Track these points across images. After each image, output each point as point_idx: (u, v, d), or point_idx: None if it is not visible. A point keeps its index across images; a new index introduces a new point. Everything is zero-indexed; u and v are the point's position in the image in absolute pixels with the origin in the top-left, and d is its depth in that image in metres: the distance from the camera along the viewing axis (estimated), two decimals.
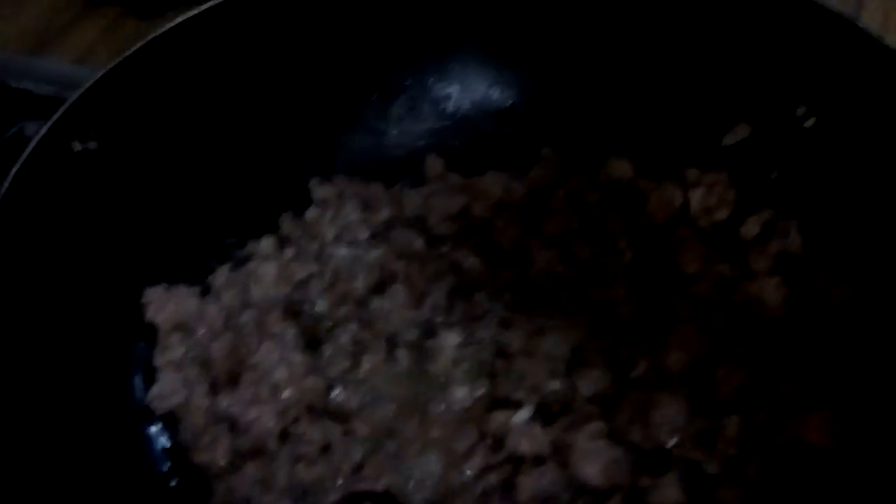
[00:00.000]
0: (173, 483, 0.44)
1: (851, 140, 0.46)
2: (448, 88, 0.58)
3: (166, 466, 0.45)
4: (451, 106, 0.58)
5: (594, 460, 0.40)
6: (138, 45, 0.51)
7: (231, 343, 0.47)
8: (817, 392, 0.42)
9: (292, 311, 0.49)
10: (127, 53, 0.50)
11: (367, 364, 0.47)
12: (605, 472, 0.40)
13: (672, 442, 0.41)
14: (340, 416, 0.45)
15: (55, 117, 0.45)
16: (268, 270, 0.50)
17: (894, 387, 0.39)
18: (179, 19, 0.52)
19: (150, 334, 0.49)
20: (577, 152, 0.55)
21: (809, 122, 0.48)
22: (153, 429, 0.46)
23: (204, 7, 0.53)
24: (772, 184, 0.50)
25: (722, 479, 0.40)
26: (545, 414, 0.44)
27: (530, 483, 0.41)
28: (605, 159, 0.54)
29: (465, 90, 0.58)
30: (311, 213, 0.54)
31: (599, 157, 0.54)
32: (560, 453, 0.41)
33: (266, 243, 0.52)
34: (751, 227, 0.49)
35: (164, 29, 0.52)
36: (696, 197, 0.50)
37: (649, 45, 0.53)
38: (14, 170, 0.42)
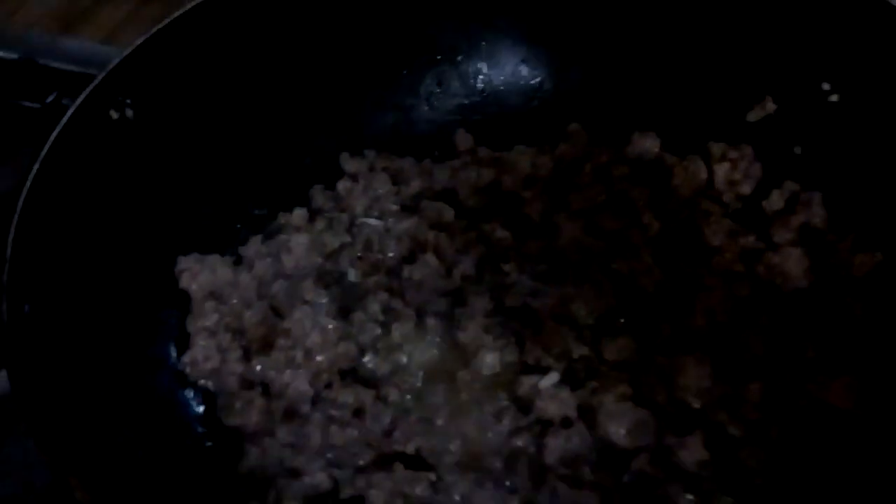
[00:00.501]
0: (208, 444, 0.45)
1: (874, 115, 0.47)
2: (478, 64, 0.59)
3: (200, 429, 0.46)
4: (480, 82, 0.59)
5: (621, 421, 0.41)
6: (172, 17, 0.51)
7: (264, 311, 0.48)
8: (838, 358, 0.42)
9: (324, 280, 0.50)
10: (161, 25, 0.51)
11: (397, 332, 0.48)
12: (631, 433, 0.41)
13: (697, 404, 0.41)
14: (372, 381, 0.46)
15: (92, 85, 0.46)
16: (299, 241, 0.51)
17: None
18: None
19: (182, 302, 0.49)
20: (604, 127, 0.55)
21: (834, 98, 0.49)
22: (188, 393, 0.47)
23: None
24: (796, 158, 0.51)
25: (745, 441, 0.41)
26: (572, 379, 0.44)
27: (558, 444, 0.42)
28: (632, 134, 0.54)
29: (495, 66, 0.59)
30: (341, 186, 0.55)
31: (626, 132, 0.55)
32: (587, 416, 0.42)
33: (297, 214, 0.53)
34: (775, 201, 0.50)
35: (192, 4, 0.52)
36: (721, 171, 0.51)
37: (676, 22, 0.54)
38: (54, 134, 0.43)
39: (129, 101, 0.48)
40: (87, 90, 0.46)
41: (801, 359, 0.44)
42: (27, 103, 0.44)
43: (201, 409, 0.47)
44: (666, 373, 0.43)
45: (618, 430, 0.41)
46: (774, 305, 0.46)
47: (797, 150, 0.51)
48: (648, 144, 0.54)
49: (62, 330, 0.42)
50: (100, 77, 0.47)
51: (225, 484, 0.43)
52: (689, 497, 0.39)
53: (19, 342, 0.38)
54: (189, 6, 0.51)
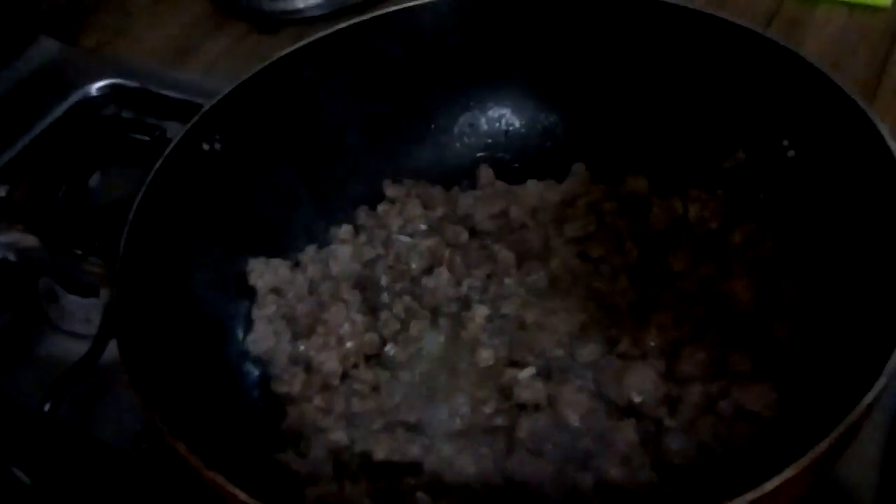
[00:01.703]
0: (260, 405, 0.58)
1: (821, 169, 0.57)
2: (503, 111, 0.71)
3: (256, 394, 0.59)
4: (504, 125, 0.71)
5: (575, 408, 0.52)
6: (262, 65, 0.63)
7: (311, 305, 0.61)
8: (764, 369, 0.53)
9: (360, 283, 0.63)
10: (253, 71, 0.63)
11: (414, 328, 0.60)
12: (582, 418, 0.52)
13: (638, 399, 0.52)
14: (390, 365, 0.59)
15: (191, 123, 0.59)
16: (344, 251, 0.64)
17: (825, 371, 0.50)
18: (297, 45, 0.65)
19: (251, 295, 0.63)
20: (603, 168, 0.67)
21: (791, 153, 0.59)
22: (248, 366, 0.60)
23: (317, 36, 0.65)
24: (759, 201, 0.61)
25: (674, 431, 0.51)
26: (547, 374, 0.56)
27: (528, 424, 0.53)
28: (625, 175, 0.65)
29: (517, 113, 0.71)
30: (382, 208, 0.67)
31: (620, 174, 0.66)
32: (552, 403, 0.53)
33: (345, 229, 0.66)
34: (737, 237, 0.60)
35: (283, 53, 0.64)
36: (694, 210, 0.61)
37: (667, 87, 0.64)
38: (157, 164, 0.56)
39: (218, 136, 0.61)
40: (186, 127, 0.59)
41: (734, 369, 0.54)
42: (140, 136, 0.57)
43: (257, 378, 0.60)
44: (619, 373, 0.54)
45: (573, 415, 0.52)
46: (721, 324, 0.56)
47: (761, 195, 0.61)
48: (638, 185, 0.65)
49: (158, 311, 0.54)
50: (196, 117, 0.60)
51: (270, 436, 0.56)
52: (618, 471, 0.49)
53: (127, 318, 0.51)
54: (267, 62, 0.63)
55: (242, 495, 0.40)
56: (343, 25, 0.66)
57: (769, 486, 0.37)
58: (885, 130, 0.50)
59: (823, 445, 0.38)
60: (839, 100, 0.54)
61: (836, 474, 0.55)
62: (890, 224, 0.48)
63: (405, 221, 0.65)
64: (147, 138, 0.56)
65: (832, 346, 0.50)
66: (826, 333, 0.52)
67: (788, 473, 0.38)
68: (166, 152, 0.56)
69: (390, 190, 0.68)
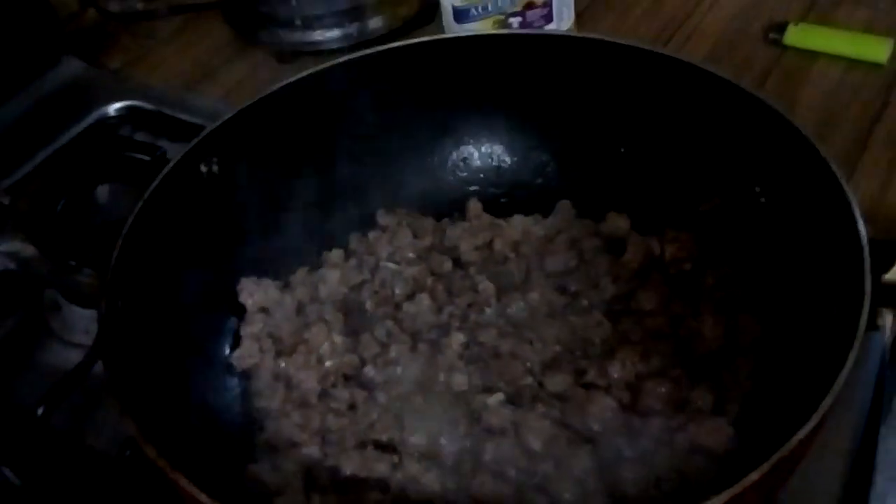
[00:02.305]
0: (240, 418, 0.61)
1: (786, 217, 0.59)
2: (496, 147, 0.74)
3: (236, 408, 0.62)
4: (497, 161, 0.74)
5: (538, 435, 0.55)
6: (260, 94, 0.68)
7: (297, 325, 0.64)
8: (718, 407, 0.55)
9: (346, 306, 0.66)
10: (254, 99, 0.67)
11: (394, 351, 0.62)
12: (545, 444, 0.54)
13: (599, 428, 0.55)
14: (367, 385, 0.61)
15: (189, 146, 0.63)
16: (333, 275, 0.67)
17: (778, 408, 0.52)
18: (299, 76, 0.69)
19: (240, 312, 0.66)
20: (589, 206, 0.69)
21: (763, 199, 0.62)
22: (232, 380, 0.63)
23: (319, 68, 0.69)
24: (731, 244, 0.63)
25: (631, 461, 0.53)
26: (515, 400, 0.58)
27: (492, 448, 0.55)
28: (607, 213, 0.68)
29: (509, 150, 0.74)
30: (373, 235, 0.70)
31: (604, 212, 0.68)
32: (517, 428, 0.56)
33: (335, 254, 0.69)
34: (708, 278, 0.63)
35: (285, 82, 0.68)
36: (669, 250, 0.64)
37: (651, 133, 0.68)
38: (154, 183, 0.59)
39: (215, 159, 0.65)
40: (185, 149, 0.63)
41: (695, 405, 0.56)
42: (141, 156, 0.61)
43: (239, 392, 0.63)
44: (582, 403, 0.56)
45: (535, 441, 0.55)
46: (687, 361, 0.58)
47: (734, 236, 0.64)
48: (620, 223, 0.68)
49: (144, 323, 0.57)
50: (195, 140, 0.64)
51: (248, 448, 0.59)
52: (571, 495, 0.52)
53: (112, 326, 0.54)
54: (268, 91, 0.67)
55: (203, 497, 0.43)
56: (346, 58, 0.70)
57: None
58: (847, 187, 0.53)
59: (753, 477, 0.40)
60: (805, 150, 0.56)
61: None
62: (842, 269, 0.50)
63: (394, 249, 0.68)
64: (147, 158, 0.60)
65: (786, 384, 0.52)
66: (781, 371, 0.54)
67: (722, 499, 0.40)
68: (163, 172, 0.60)
69: (383, 219, 0.71)
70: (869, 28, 0.94)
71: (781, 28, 0.93)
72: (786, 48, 0.93)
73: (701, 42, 0.96)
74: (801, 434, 0.42)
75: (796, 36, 0.93)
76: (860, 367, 0.60)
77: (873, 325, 0.48)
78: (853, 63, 0.90)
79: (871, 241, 0.50)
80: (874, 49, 0.90)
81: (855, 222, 0.51)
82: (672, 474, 0.52)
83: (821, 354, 0.48)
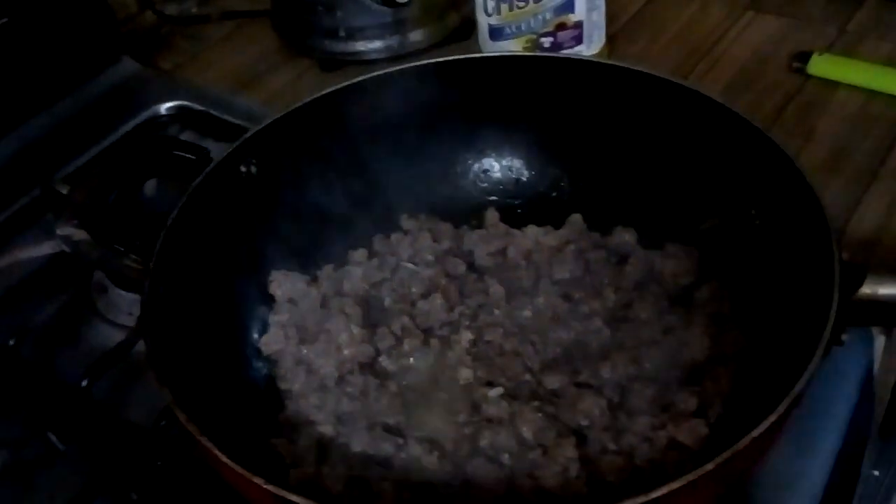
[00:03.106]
0: (264, 397, 0.68)
1: (782, 237, 0.65)
2: (516, 161, 0.81)
3: (262, 387, 0.69)
4: (515, 173, 0.81)
5: (530, 426, 0.61)
6: (302, 101, 0.75)
7: (320, 316, 0.71)
8: (698, 407, 0.61)
9: (366, 301, 0.73)
10: (293, 107, 0.74)
11: (407, 345, 0.69)
12: (535, 434, 0.61)
13: (586, 423, 0.61)
14: (381, 374, 0.68)
15: (231, 148, 0.70)
16: (356, 272, 0.74)
17: (752, 413, 0.57)
18: (338, 85, 0.76)
19: (270, 302, 0.73)
20: (598, 220, 0.76)
21: (758, 221, 0.68)
22: (258, 362, 0.70)
23: (359, 79, 0.77)
24: (727, 262, 0.69)
25: (613, 453, 0.60)
26: (514, 395, 0.65)
27: (489, 435, 0.62)
28: (615, 227, 0.74)
29: (528, 164, 0.81)
30: (395, 237, 0.77)
31: (612, 226, 0.75)
32: (512, 419, 0.62)
33: (359, 253, 0.76)
34: (703, 292, 0.69)
35: (325, 91, 0.76)
36: (668, 265, 0.70)
37: (659, 155, 0.74)
38: (197, 180, 0.67)
39: (254, 160, 0.72)
40: (227, 150, 0.70)
41: (678, 407, 0.62)
42: (188, 155, 0.69)
43: (265, 374, 0.70)
44: (574, 400, 0.63)
45: (528, 432, 0.61)
46: (674, 367, 0.65)
47: (728, 254, 0.70)
48: (627, 237, 0.74)
49: (183, 308, 0.64)
50: (237, 142, 0.71)
51: (269, 425, 0.66)
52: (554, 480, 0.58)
53: (153, 308, 0.61)
54: (309, 98, 0.75)
55: (224, 458, 0.50)
56: (381, 72, 0.77)
57: (654, 494, 0.46)
58: (830, 218, 0.58)
59: (708, 467, 0.47)
60: (797, 180, 0.62)
61: None
62: (816, 287, 0.56)
63: (414, 251, 0.75)
64: (193, 157, 0.68)
65: (759, 391, 0.58)
66: (758, 380, 0.60)
67: (675, 485, 0.46)
68: (206, 171, 0.67)
69: (405, 223, 0.78)
70: (891, 61, 0.99)
71: (806, 57, 0.99)
72: (809, 77, 0.99)
73: (727, 67, 1.02)
74: (755, 433, 0.48)
75: (820, 66, 0.98)
76: (841, 383, 0.67)
77: (838, 341, 0.54)
78: (873, 94, 0.96)
79: (843, 261, 0.55)
80: (895, 82, 0.95)
81: (831, 245, 0.56)
82: (649, 465, 0.58)
83: (790, 365, 0.54)
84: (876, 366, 0.75)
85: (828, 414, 0.68)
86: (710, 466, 0.47)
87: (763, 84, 0.99)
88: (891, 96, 0.95)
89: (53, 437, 0.72)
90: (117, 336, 0.77)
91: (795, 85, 0.98)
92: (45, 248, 0.76)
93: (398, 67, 0.77)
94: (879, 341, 0.75)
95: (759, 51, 1.04)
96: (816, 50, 1.00)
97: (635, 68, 0.74)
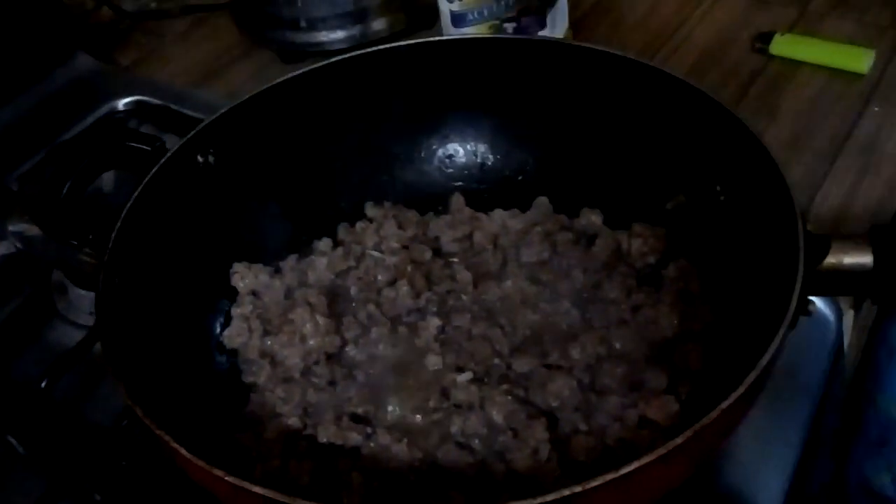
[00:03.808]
0: (228, 393, 0.67)
1: (747, 212, 0.64)
2: (481, 146, 0.80)
3: (224, 381, 0.68)
4: (480, 158, 0.80)
5: (501, 410, 0.60)
6: (260, 89, 0.74)
7: (284, 307, 0.70)
8: (669, 384, 0.60)
9: (332, 291, 0.72)
10: (247, 96, 0.74)
11: (374, 333, 0.68)
12: (506, 417, 0.60)
13: (557, 404, 0.60)
14: (348, 364, 0.67)
15: (187, 137, 0.69)
16: (321, 262, 0.73)
17: (721, 387, 0.57)
18: (293, 73, 0.75)
19: (232, 294, 0.72)
20: (565, 202, 0.75)
21: (723, 197, 0.67)
22: (221, 357, 0.69)
23: (314, 66, 0.75)
24: (694, 239, 0.69)
25: (584, 433, 0.59)
26: (483, 379, 0.64)
27: (460, 421, 0.61)
28: (581, 210, 0.74)
29: (493, 149, 0.80)
30: (360, 225, 0.76)
31: (578, 208, 0.74)
32: (482, 404, 0.61)
33: (324, 243, 0.75)
34: (670, 270, 0.68)
35: (281, 79, 0.74)
36: (635, 244, 0.69)
37: (624, 136, 0.73)
38: (153, 170, 0.65)
39: (212, 150, 0.71)
40: (183, 141, 0.69)
41: (649, 386, 0.61)
42: (142, 146, 0.67)
43: (227, 367, 0.68)
44: (543, 382, 0.62)
45: (497, 415, 0.60)
46: (644, 345, 0.64)
47: (696, 231, 0.69)
48: (593, 218, 0.73)
49: (141, 302, 0.62)
50: (193, 132, 0.70)
51: (233, 419, 0.65)
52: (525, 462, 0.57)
53: (109, 301, 0.60)
54: (264, 87, 0.73)
55: (183, 451, 0.49)
56: (340, 58, 0.76)
57: (625, 469, 0.45)
58: (790, 185, 0.58)
59: (677, 441, 0.46)
60: (761, 155, 0.61)
61: (743, 493, 0.62)
62: (782, 260, 0.55)
63: (380, 239, 0.74)
64: (147, 148, 0.66)
65: (728, 365, 0.57)
66: (727, 354, 0.59)
67: (646, 459, 0.45)
68: (161, 161, 0.66)
69: (370, 211, 0.77)
70: (853, 40, 0.99)
71: (768, 38, 0.99)
72: (772, 57, 0.99)
73: (690, 50, 1.02)
74: (724, 405, 0.47)
75: (782, 46, 0.98)
76: (812, 360, 0.66)
77: (805, 311, 0.53)
78: (835, 73, 0.96)
79: (808, 232, 0.55)
80: (856, 60, 0.95)
81: (795, 217, 0.56)
82: (620, 445, 0.57)
83: (759, 337, 0.53)
84: (846, 341, 0.75)
85: (799, 391, 0.68)
86: (680, 440, 0.46)
87: (726, 65, 0.99)
88: (853, 74, 0.95)
89: (13, 440, 0.70)
90: (78, 336, 0.76)
91: (758, 65, 0.98)
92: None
93: (357, 53, 0.76)
94: (849, 316, 0.75)
95: (722, 32, 1.03)
96: (778, 30, 1.00)
97: (599, 48, 0.73)
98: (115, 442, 0.68)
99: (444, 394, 0.63)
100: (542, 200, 0.75)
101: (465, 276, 0.70)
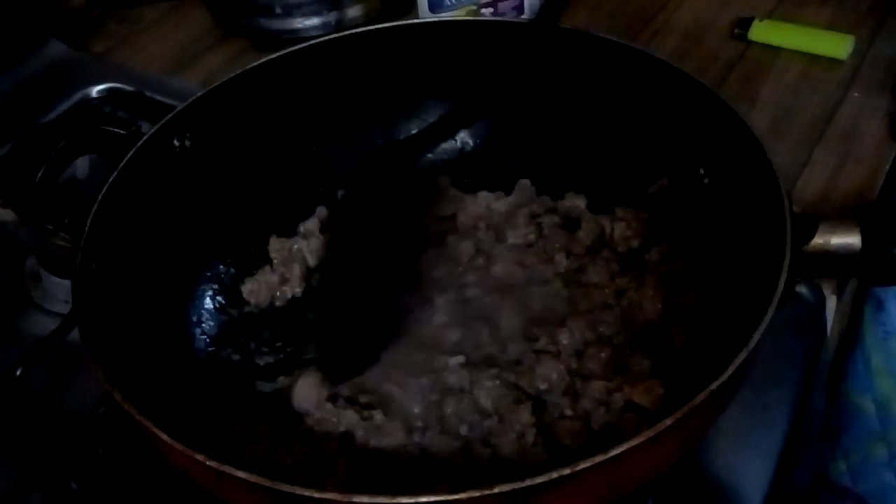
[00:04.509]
0: (208, 378, 0.66)
1: (731, 195, 0.64)
2: (461, 131, 0.79)
3: (208, 364, 0.67)
4: (460, 143, 0.80)
5: (489, 394, 0.59)
6: (230, 74, 0.73)
7: None
8: (655, 369, 0.60)
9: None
10: (222, 80, 0.72)
11: None
12: (494, 402, 0.59)
13: (544, 387, 0.60)
14: None
15: (163, 121, 0.67)
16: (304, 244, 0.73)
17: (706, 371, 0.56)
18: (269, 56, 0.74)
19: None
20: (547, 185, 0.74)
21: (706, 180, 0.67)
22: (203, 340, 0.69)
23: (289, 50, 0.74)
24: (677, 222, 0.68)
25: (570, 418, 0.58)
26: (477, 365, 0.63)
27: (453, 404, 0.60)
28: (566, 193, 0.73)
29: (474, 134, 0.79)
30: None
31: (562, 191, 0.74)
32: (472, 388, 0.60)
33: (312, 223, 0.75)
34: (653, 254, 0.68)
35: (256, 63, 0.73)
36: (619, 229, 0.69)
37: (605, 119, 0.73)
38: (129, 154, 0.64)
39: (188, 134, 0.69)
40: (159, 124, 0.67)
41: (633, 369, 0.61)
42: (117, 130, 0.66)
43: (211, 352, 0.68)
44: (532, 366, 0.61)
45: (486, 400, 0.59)
46: (629, 329, 0.63)
47: (680, 215, 0.69)
48: (577, 202, 0.73)
49: (119, 286, 0.61)
50: (168, 116, 0.68)
51: (220, 401, 0.64)
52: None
53: (86, 288, 0.58)
54: (240, 70, 0.72)
55: (165, 437, 0.48)
56: (316, 41, 0.75)
57: (614, 451, 0.44)
58: (779, 171, 0.57)
59: (666, 422, 0.45)
60: (745, 136, 0.61)
61: (729, 479, 0.62)
62: (768, 241, 0.55)
63: None
64: (122, 132, 0.65)
65: (714, 348, 0.57)
66: (712, 337, 0.59)
67: (634, 442, 0.45)
68: (138, 144, 0.64)
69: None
70: (832, 25, 0.99)
71: (747, 24, 0.99)
72: (751, 43, 0.98)
73: (668, 36, 1.01)
74: (713, 386, 0.47)
75: (761, 31, 0.98)
76: (794, 347, 0.66)
77: (792, 295, 0.53)
78: (815, 59, 0.96)
79: (794, 213, 0.54)
80: (835, 46, 0.95)
81: (781, 198, 0.56)
82: (606, 429, 0.57)
83: (745, 319, 0.53)
84: (828, 327, 0.75)
85: (783, 377, 0.68)
86: (668, 422, 0.46)
87: (705, 51, 0.99)
88: (832, 60, 0.95)
89: None
90: (53, 325, 0.74)
91: (737, 51, 0.98)
92: None
93: (335, 35, 0.75)
94: (831, 301, 0.75)
95: (701, 18, 1.03)
96: (757, 16, 0.99)
97: (581, 30, 0.72)
98: (92, 430, 0.66)
99: (438, 376, 0.62)
100: (525, 183, 0.75)
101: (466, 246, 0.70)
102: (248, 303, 0.72)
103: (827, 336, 0.74)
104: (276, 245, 0.72)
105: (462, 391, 0.61)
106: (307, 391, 0.63)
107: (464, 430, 0.59)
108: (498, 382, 0.60)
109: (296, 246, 0.72)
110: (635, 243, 0.69)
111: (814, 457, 0.79)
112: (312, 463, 0.59)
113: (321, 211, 0.75)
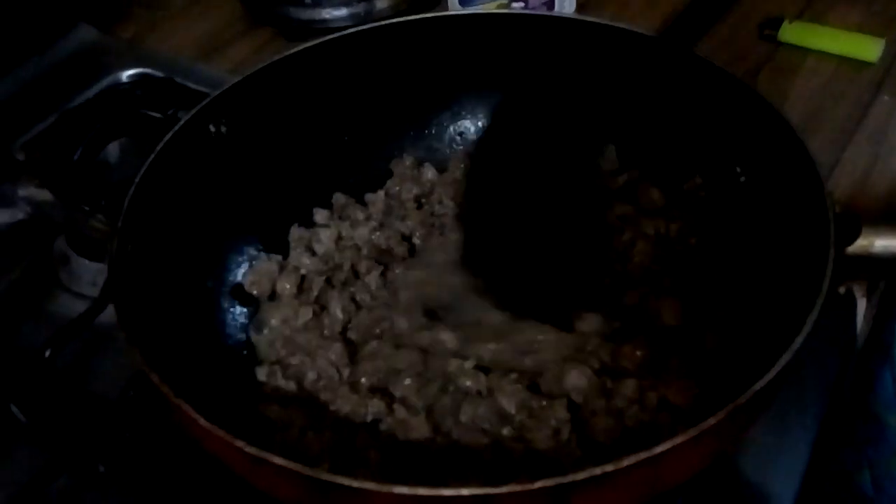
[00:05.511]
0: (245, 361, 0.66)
1: (767, 193, 0.63)
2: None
3: (243, 350, 0.67)
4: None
5: (511, 399, 0.58)
6: (267, 62, 0.72)
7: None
8: (689, 370, 0.59)
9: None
10: (258, 67, 0.71)
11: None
12: (517, 406, 0.58)
13: (576, 394, 0.58)
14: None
15: (199, 106, 0.66)
16: (325, 233, 0.72)
17: (743, 371, 0.55)
18: (297, 48, 0.73)
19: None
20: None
21: (743, 178, 0.65)
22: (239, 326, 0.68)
23: (323, 39, 0.73)
24: (711, 220, 0.67)
25: (604, 415, 0.57)
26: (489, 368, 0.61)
27: (470, 409, 0.58)
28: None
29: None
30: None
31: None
32: (491, 392, 0.59)
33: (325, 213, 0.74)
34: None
35: (290, 51, 0.72)
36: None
37: (639, 120, 0.72)
38: (167, 137, 0.63)
39: (224, 120, 0.69)
40: (195, 109, 0.66)
41: (666, 367, 0.60)
42: (153, 113, 0.65)
43: (246, 338, 0.67)
44: (559, 375, 0.60)
45: (508, 403, 0.58)
46: (650, 337, 0.62)
47: (715, 215, 0.68)
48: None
49: (153, 269, 0.60)
50: (205, 101, 0.67)
51: (252, 387, 0.63)
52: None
53: (122, 269, 0.58)
54: (274, 58, 0.71)
55: (202, 421, 0.47)
56: (349, 31, 0.74)
57: (658, 449, 0.43)
58: (821, 168, 0.56)
59: (710, 421, 0.44)
60: (784, 133, 0.60)
61: (759, 482, 0.61)
62: (810, 241, 0.53)
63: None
64: (160, 115, 0.64)
65: (753, 348, 0.56)
66: (748, 338, 0.58)
67: (678, 440, 0.44)
68: (175, 128, 0.63)
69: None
70: (862, 28, 0.97)
71: (776, 24, 0.97)
72: (780, 44, 0.97)
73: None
74: (758, 386, 0.46)
75: (790, 33, 0.96)
76: (825, 346, 0.65)
77: (836, 298, 0.52)
78: (844, 61, 0.94)
79: (836, 213, 0.53)
80: (866, 48, 0.94)
81: (823, 197, 0.54)
82: (641, 427, 0.56)
83: (786, 320, 0.52)
84: (858, 328, 0.74)
85: (814, 380, 0.67)
86: (713, 421, 0.44)
87: (735, 51, 0.97)
88: (862, 62, 0.94)
89: (16, 409, 0.68)
90: (80, 307, 0.73)
91: (766, 52, 0.97)
92: (3, 217, 0.72)
93: (369, 26, 0.74)
94: (861, 304, 0.74)
95: (730, 18, 1.01)
96: (787, 17, 0.98)
97: (615, 25, 0.71)
98: (120, 413, 0.66)
99: (449, 379, 0.61)
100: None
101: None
102: None
103: (857, 338, 0.73)
104: (295, 234, 0.71)
105: (480, 394, 0.60)
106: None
107: (495, 423, 0.58)
108: (520, 387, 0.59)
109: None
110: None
111: (842, 462, 0.78)
112: (342, 452, 0.58)
113: (338, 198, 0.74)
